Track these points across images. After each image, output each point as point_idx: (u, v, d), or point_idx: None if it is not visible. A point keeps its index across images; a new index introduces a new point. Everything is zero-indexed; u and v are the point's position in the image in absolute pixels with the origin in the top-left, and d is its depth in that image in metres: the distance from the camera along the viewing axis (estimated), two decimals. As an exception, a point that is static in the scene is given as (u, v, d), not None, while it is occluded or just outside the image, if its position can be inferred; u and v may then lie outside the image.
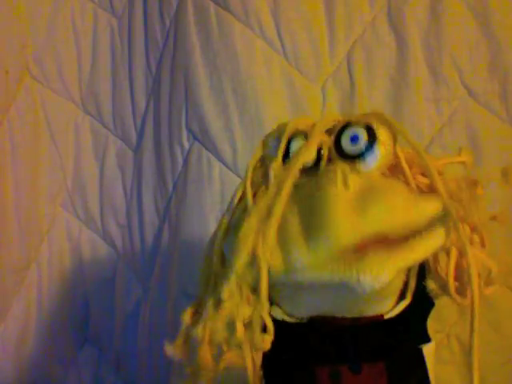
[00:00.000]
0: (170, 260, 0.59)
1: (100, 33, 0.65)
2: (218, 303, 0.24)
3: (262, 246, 0.23)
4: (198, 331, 0.25)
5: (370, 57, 0.53)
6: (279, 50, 0.55)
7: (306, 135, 0.26)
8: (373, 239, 0.23)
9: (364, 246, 0.23)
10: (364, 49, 0.53)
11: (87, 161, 0.65)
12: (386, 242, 0.23)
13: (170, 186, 0.59)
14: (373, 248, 0.23)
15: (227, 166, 0.56)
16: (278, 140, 0.27)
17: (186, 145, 0.58)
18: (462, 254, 0.25)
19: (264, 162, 0.28)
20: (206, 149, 0.56)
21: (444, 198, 0.24)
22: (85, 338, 0.65)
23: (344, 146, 0.26)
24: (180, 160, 0.58)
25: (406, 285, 0.27)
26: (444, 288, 0.26)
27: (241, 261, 0.23)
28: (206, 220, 0.56)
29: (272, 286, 0.24)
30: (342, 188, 0.24)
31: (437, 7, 0.50)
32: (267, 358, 0.26)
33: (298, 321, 0.27)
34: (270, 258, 0.23)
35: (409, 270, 0.27)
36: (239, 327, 0.24)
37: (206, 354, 0.25)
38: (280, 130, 0.27)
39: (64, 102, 0.65)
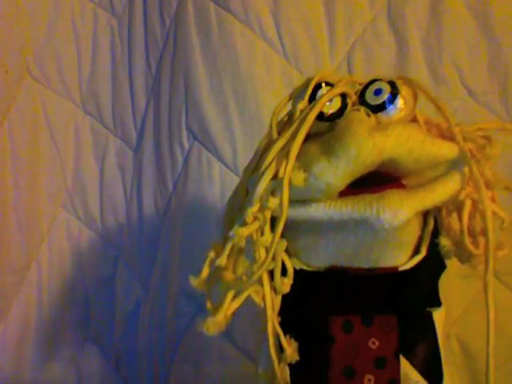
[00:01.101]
0: (169, 260, 0.59)
1: (100, 33, 0.65)
2: (242, 226, 0.25)
3: (284, 165, 0.24)
4: (223, 262, 0.26)
5: (370, 57, 0.53)
6: (279, 50, 0.55)
7: (330, 85, 0.27)
8: (390, 166, 0.24)
9: (383, 187, 0.24)
10: (364, 49, 0.53)
11: (87, 161, 0.65)
12: (405, 187, 0.24)
13: (170, 186, 0.59)
14: (392, 189, 0.24)
15: (227, 166, 0.56)
16: (305, 90, 0.28)
17: (186, 145, 0.58)
18: (475, 204, 0.26)
19: (291, 116, 0.29)
20: (206, 149, 0.57)
21: (460, 142, 0.25)
22: (85, 338, 0.65)
23: (367, 99, 0.27)
24: (180, 160, 0.58)
25: (420, 241, 0.27)
26: (457, 243, 0.27)
27: (264, 183, 0.24)
28: (206, 220, 0.56)
29: (291, 232, 0.25)
30: (365, 115, 0.25)
31: (437, 7, 0.50)
32: (284, 305, 0.27)
33: (314, 270, 0.27)
34: (292, 176, 0.24)
35: (424, 225, 0.27)
36: (262, 251, 0.24)
37: (228, 274, 0.26)
38: (308, 81, 0.28)
39: (64, 102, 0.65)
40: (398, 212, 0.23)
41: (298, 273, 0.27)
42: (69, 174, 0.65)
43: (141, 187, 0.62)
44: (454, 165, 0.25)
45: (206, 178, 0.56)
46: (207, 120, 0.56)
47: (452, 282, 0.48)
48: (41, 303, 0.64)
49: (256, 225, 0.24)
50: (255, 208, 0.24)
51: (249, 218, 0.24)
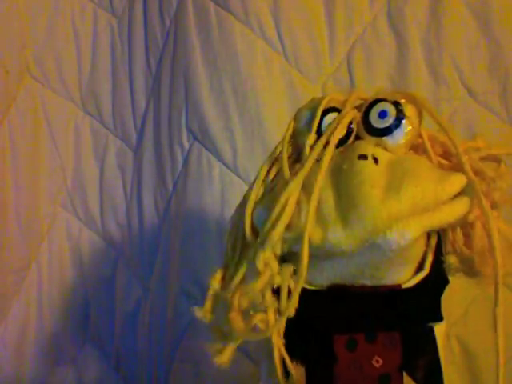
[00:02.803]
0: (169, 260, 0.59)
1: (100, 33, 0.65)
2: (251, 271, 0.24)
3: (303, 218, 0.24)
4: (228, 297, 0.25)
5: (370, 57, 0.53)
6: (279, 50, 0.55)
7: (335, 109, 0.27)
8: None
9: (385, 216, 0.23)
10: (364, 49, 0.53)
11: (87, 161, 0.65)
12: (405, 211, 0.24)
13: (170, 186, 0.59)
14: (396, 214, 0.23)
15: (227, 166, 0.56)
16: (311, 114, 0.28)
17: (186, 145, 0.58)
18: (484, 226, 0.25)
19: (293, 136, 0.29)
20: (206, 149, 0.57)
21: (469, 171, 0.24)
22: (85, 338, 0.65)
23: (372, 122, 0.26)
24: (180, 160, 0.58)
25: (423, 258, 0.27)
26: (464, 262, 0.27)
27: (279, 231, 0.24)
28: (206, 220, 0.56)
29: (296, 253, 0.24)
30: (373, 163, 0.25)
31: (437, 7, 0.50)
32: (287, 324, 0.26)
33: (317, 288, 0.27)
34: (310, 232, 0.24)
35: (428, 241, 0.27)
36: (268, 294, 0.24)
37: (236, 318, 0.25)
38: (312, 105, 0.28)
39: (64, 102, 0.65)
40: (405, 232, 0.23)
41: (300, 291, 0.26)
42: (69, 174, 0.65)
43: (141, 187, 0.62)
44: (464, 192, 0.25)
45: (205, 178, 0.56)
46: (207, 120, 0.56)
47: (452, 282, 0.48)
48: (41, 303, 0.64)
49: (268, 274, 0.24)
50: (267, 254, 0.24)
51: (261, 264, 0.24)
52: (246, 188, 0.56)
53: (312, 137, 0.27)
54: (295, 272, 0.24)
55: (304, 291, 0.26)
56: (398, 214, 0.23)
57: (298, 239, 0.24)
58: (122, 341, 0.63)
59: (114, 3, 0.64)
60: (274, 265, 0.24)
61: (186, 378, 0.57)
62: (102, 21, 0.65)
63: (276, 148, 0.29)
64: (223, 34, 0.55)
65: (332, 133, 0.26)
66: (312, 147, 0.26)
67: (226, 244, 0.30)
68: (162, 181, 0.60)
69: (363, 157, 0.25)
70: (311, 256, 0.24)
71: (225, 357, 0.25)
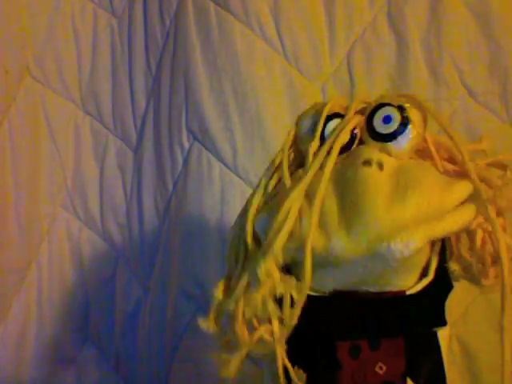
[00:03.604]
0: (169, 260, 0.59)
1: (100, 33, 0.65)
2: (253, 281, 0.24)
3: (305, 227, 0.24)
4: (231, 308, 0.25)
5: (370, 57, 0.53)
6: (279, 50, 0.55)
7: (338, 115, 0.27)
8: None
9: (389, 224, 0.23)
10: (364, 49, 0.53)
11: (87, 161, 0.65)
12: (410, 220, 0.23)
13: (170, 186, 0.59)
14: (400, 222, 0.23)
15: (227, 166, 0.56)
16: (313, 120, 0.27)
17: (186, 145, 0.58)
18: (488, 235, 0.25)
19: (295, 142, 0.28)
20: (206, 149, 0.56)
21: (475, 180, 0.24)
22: (85, 338, 0.65)
23: (376, 127, 0.26)
24: (180, 160, 0.58)
25: (427, 264, 0.27)
26: (467, 269, 0.26)
27: (281, 240, 0.23)
28: (206, 220, 0.56)
29: (298, 260, 0.24)
30: (378, 170, 0.24)
31: (437, 7, 0.50)
32: (291, 332, 0.26)
33: (320, 294, 0.27)
34: (313, 240, 0.23)
35: (432, 247, 0.27)
36: (271, 304, 0.24)
37: (240, 329, 0.25)
38: (314, 111, 0.28)
39: (64, 102, 0.65)
40: (410, 242, 0.22)
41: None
42: (69, 174, 0.65)
43: (141, 187, 0.62)
44: (469, 200, 0.24)
45: (205, 178, 0.56)
46: (207, 120, 0.56)
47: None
48: (41, 303, 0.64)
49: (269, 283, 0.24)
50: (269, 264, 0.24)
51: (262, 274, 0.24)
52: (246, 188, 0.56)
53: (315, 143, 0.26)
54: (298, 280, 0.24)
55: (306, 297, 0.25)
56: (402, 223, 0.23)
57: (301, 248, 0.23)
58: (122, 341, 0.63)
59: (113, 3, 0.64)
60: (276, 274, 0.24)
61: (185, 378, 0.57)
62: (102, 21, 0.65)
63: (277, 155, 0.28)
64: (223, 34, 0.55)
65: (335, 139, 0.25)
66: (315, 154, 0.26)
67: (227, 254, 0.29)
68: (162, 181, 0.60)
69: (367, 163, 0.25)
70: (314, 264, 0.23)
71: (232, 369, 0.25)
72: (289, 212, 0.24)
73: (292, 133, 0.28)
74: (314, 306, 0.26)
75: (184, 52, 0.57)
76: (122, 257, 0.64)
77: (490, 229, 0.25)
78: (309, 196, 0.24)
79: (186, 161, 0.58)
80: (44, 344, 0.64)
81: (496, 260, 0.24)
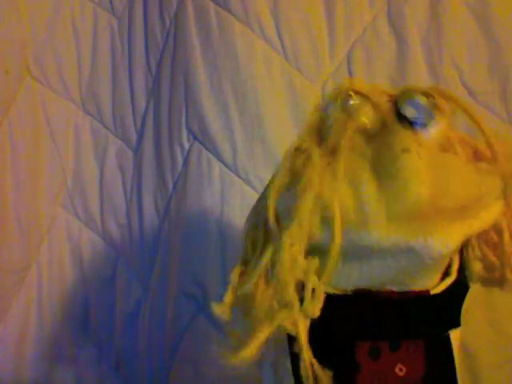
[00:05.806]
0: (169, 260, 0.59)
1: (100, 33, 0.65)
2: (276, 256, 0.23)
3: (329, 187, 0.23)
4: (250, 288, 0.25)
5: (370, 57, 0.53)
6: (279, 50, 0.55)
7: (363, 96, 0.26)
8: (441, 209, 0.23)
9: (430, 214, 0.22)
10: (364, 49, 0.53)
11: (87, 161, 0.65)
12: (450, 211, 0.23)
13: (170, 186, 0.59)
14: (439, 215, 0.23)
15: (227, 166, 0.56)
16: (334, 101, 0.27)
17: (186, 145, 0.58)
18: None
19: (317, 124, 0.27)
20: (206, 149, 0.57)
21: (505, 173, 0.24)
22: (85, 338, 0.65)
23: (404, 111, 0.25)
24: (180, 160, 0.58)
25: (449, 263, 0.27)
26: (490, 268, 0.26)
27: (307, 205, 0.22)
28: (206, 220, 0.56)
29: (321, 253, 0.23)
30: (417, 157, 0.23)
31: (437, 7, 0.50)
32: (309, 329, 0.25)
33: (341, 293, 0.26)
34: (343, 208, 0.22)
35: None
36: (291, 287, 0.23)
37: (259, 309, 0.24)
38: (338, 91, 0.27)
39: (64, 102, 0.65)
40: (447, 240, 0.22)
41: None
42: (69, 174, 0.65)
43: (141, 187, 0.62)
44: (499, 193, 0.24)
45: (205, 178, 0.56)
46: (207, 120, 0.56)
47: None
48: (41, 303, 0.64)
49: (293, 249, 0.23)
50: (294, 230, 0.23)
51: (286, 240, 0.23)
52: (246, 188, 0.56)
53: (337, 110, 0.25)
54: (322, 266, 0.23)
55: (327, 296, 0.25)
56: (443, 216, 0.22)
57: (328, 212, 0.22)
58: (122, 341, 0.63)
59: (114, 3, 0.64)
60: (299, 253, 0.23)
61: (185, 378, 0.57)
62: (102, 21, 0.65)
63: (300, 138, 0.27)
64: (223, 33, 0.55)
65: (357, 110, 0.25)
66: (343, 130, 0.25)
67: (244, 242, 0.28)
68: (162, 181, 0.60)
69: (407, 150, 0.24)
70: (342, 255, 0.23)
71: (251, 350, 0.24)
72: (313, 177, 0.23)
73: (315, 113, 0.28)
74: (334, 304, 0.25)
75: (184, 52, 0.57)
76: (122, 257, 0.64)
77: None
78: (345, 175, 0.23)
79: (185, 161, 0.58)
80: (44, 344, 0.64)
81: None
